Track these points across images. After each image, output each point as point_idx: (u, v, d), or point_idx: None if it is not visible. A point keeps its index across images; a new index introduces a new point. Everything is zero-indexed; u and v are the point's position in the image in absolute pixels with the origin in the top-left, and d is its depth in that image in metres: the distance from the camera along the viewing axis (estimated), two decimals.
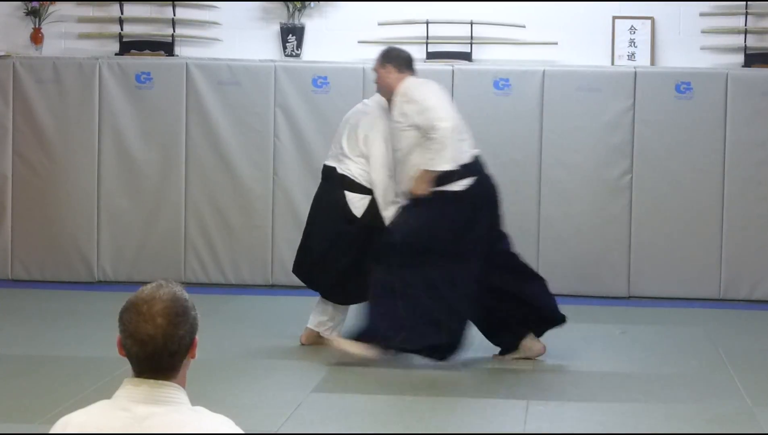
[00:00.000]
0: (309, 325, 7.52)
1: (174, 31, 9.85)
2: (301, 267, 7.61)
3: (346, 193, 7.30)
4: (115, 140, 9.66)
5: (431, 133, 6.90)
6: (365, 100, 7.64)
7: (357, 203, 7.29)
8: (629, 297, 9.42)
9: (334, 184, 7.37)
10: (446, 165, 6.93)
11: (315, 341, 7.47)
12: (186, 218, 9.67)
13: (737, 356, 7.23)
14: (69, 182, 9.67)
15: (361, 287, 7.11)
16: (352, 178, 7.30)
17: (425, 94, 7.07)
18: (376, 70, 7.31)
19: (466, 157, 7.04)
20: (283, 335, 7.85)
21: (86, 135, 9.65)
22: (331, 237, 7.34)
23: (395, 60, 7.25)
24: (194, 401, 2.71)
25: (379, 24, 9.64)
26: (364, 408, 6.19)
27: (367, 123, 7.31)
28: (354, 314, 7.36)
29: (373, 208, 7.25)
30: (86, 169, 9.66)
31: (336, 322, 7.47)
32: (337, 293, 7.43)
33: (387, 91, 7.23)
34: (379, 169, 7.24)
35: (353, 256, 7.25)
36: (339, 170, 7.34)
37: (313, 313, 7.53)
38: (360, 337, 6.90)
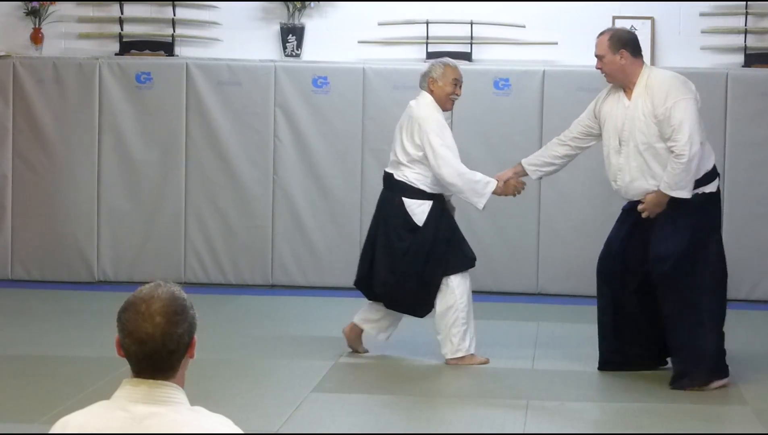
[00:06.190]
0: (356, 321, 7.20)
1: (174, 31, 9.85)
2: (362, 280, 7.17)
3: (404, 199, 7.00)
4: (115, 140, 9.66)
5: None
6: (411, 102, 7.14)
7: (416, 210, 7.00)
8: None
9: (393, 190, 7.04)
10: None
11: (355, 338, 7.21)
12: (186, 218, 9.66)
13: (737, 356, 7.22)
14: (69, 182, 9.67)
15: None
16: (409, 183, 6.98)
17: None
18: (601, 55, 6.90)
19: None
20: (283, 335, 7.85)
21: (86, 135, 9.65)
22: (395, 247, 7.00)
23: (629, 44, 6.83)
24: (194, 401, 2.71)
25: (379, 24, 9.64)
26: (364, 408, 6.19)
27: (414, 124, 6.95)
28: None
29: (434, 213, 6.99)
30: (86, 169, 9.65)
31: (387, 324, 7.19)
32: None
33: (621, 79, 6.91)
34: (447, 164, 6.87)
35: (422, 266, 6.95)
36: (396, 177, 7.02)
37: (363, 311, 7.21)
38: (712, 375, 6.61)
